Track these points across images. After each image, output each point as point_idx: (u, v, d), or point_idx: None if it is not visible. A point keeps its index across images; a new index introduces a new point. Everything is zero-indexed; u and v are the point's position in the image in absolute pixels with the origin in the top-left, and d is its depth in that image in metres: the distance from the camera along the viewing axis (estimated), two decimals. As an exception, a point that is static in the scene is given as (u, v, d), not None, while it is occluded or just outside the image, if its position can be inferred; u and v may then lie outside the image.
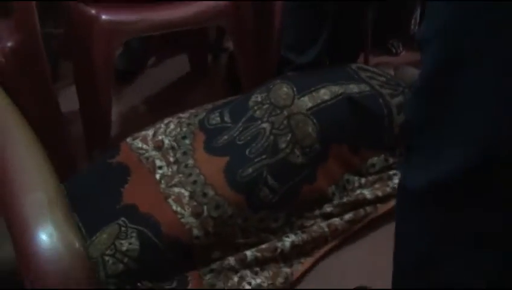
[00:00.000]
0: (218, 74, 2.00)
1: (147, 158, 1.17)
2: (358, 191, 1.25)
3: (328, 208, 1.20)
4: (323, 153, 1.21)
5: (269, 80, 1.37)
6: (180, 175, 1.12)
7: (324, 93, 1.26)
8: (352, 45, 1.73)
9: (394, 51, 2.21)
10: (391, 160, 1.33)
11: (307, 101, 1.23)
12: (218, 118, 1.24)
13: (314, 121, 1.21)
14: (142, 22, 1.37)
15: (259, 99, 1.26)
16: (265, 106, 1.23)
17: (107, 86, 1.42)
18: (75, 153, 1.45)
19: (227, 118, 1.23)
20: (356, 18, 1.67)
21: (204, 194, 1.08)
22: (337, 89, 1.28)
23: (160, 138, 1.22)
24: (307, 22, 1.49)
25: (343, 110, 1.25)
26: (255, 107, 1.23)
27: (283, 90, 1.26)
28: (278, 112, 1.21)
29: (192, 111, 1.31)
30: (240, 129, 1.19)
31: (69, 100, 1.50)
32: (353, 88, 1.30)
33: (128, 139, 1.23)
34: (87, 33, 1.35)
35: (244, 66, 1.59)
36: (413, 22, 2.20)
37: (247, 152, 1.14)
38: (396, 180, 1.30)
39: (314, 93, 1.25)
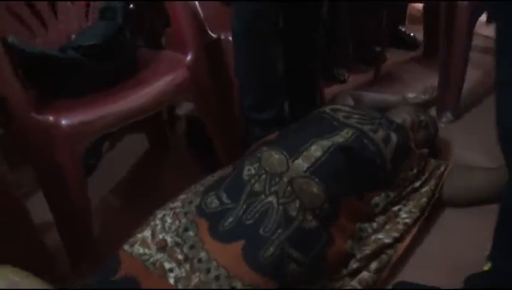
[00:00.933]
0: (179, 144, 1.92)
1: (154, 263, 1.07)
2: (373, 237, 1.23)
3: (354, 265, 1.16)
4: (334, 210, 1.18)
5: (251, 149, 1.32)
6: (197, 273, 1.03)
7: (315, 150, 1.22)
8: (308, 88, 1.72)
9: (342, 78, 2.24)
10: (391, 195, 1.32)
11: (302, 163, 1.20)
12: (216, 201, 1.17)
13: (317, 180, 1.17)
14: (104, 119, 1.27)
15: (252, 171, 1.20)
16: (263, 177, 1.17)
17: (81, 191, 1.30)
18: (58, 273, 1.30)
19: (225, 199, 1.16)
20: (308, 59, 1.66)
21: (233, 289, 0.99)
22: (325, 143, 1.25)
23: (161, 236, 1.12)
24: (262, 83, 1.47)
25: (339, 162, 1.23)
26: (252, 181, 1.17)
27: (274, 157, 1.21)
28: (278, 179, 1.16)
29: (183, 197, 1.22)
30: (244, 208, 1.12)
31: (37, 208, 1.34)
32: (338, 138, 1.28)
33: (126, 247, 1.12)
34: (48, 141, 1.24)
35: (214, 131, 1.53)
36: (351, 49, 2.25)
37: (261, 231, 1.08)
38: (404, 215, 1.29)
39: (305, 153, 1.22)
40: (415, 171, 1.37)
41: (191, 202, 1.19)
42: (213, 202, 1.17)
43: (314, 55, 1.65)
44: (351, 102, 1.74)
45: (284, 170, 1.18)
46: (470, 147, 1.66)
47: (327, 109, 1.46)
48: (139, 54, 1.46)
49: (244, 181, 1.18)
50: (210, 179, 1.29)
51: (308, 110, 1.59)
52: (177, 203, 1.19)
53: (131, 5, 1.55)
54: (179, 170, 1.74)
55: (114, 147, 1.94)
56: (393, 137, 1.34)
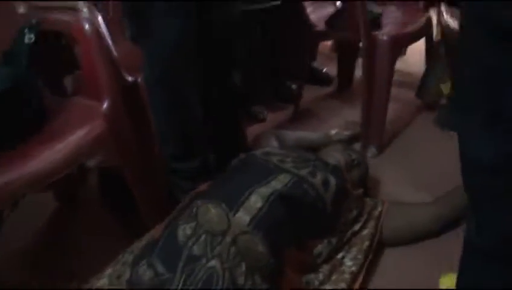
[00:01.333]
0: (92, 200, 1.71)
1: None
2: (322, 290, 1.13)
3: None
4: (280, 264, 1.08)
5: (182, 204, 1.18)
6: None
7: (256, 201, 1.13)
8: (231, 132, 1.65)
9: (261, 116, 2.20)
10: (334, 241, 1.25)
11: (243, 216, 1.09)
12: (150, 271, 1.01)
13: (261, 234, 1.07)
14: (10, 186, 1.04)
15: (188, 231, 1.06)
16: (202, 238, 1.04)
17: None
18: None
19: (160, 268, 1.01)
20: (226, 104, 1.59)
21: None
22: (264, 191, 1.17)
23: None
24: (182, 131, 1.38)
25: (280, 211, 1.14)
26: (190, 243, 1.03)
27: (212, 212, 1.09)
28: (220, 239, 1.03)
29: (109, 271, 1.05)
30: (183, 278, 0.98)
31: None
32: (277, 184, 1.20)
33: None
34: None
35: (135, 183, 1.37)
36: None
37: (205, 305, 0.94)
38: (349, 263, 1.22)
39: (246, 204, 1.12)
40: (354, 213, 1.33)
41: (119, 277, 1.02)
42: (146, 273, 1.01)
43: (231, 99, 1.60)
44: (274, 142, 1.68)
45: (225, 227, 1.06)
46: (397, 181, 1.67)
47: (258, 153, 1.39)
48: (46, 103, 1.26)
49: (180, 244, 1.04)
50: (138, 245, 1.13)
51: (232, 155, 1.53)
52: (104, 281, 1.01)
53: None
54: (94, 231, 1.54)
55: (15, 208, 1.67)
56: (332, 180, 1.30)
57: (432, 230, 1.38)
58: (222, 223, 1.07)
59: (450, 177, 1.51)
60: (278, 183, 1.20)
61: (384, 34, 1.78)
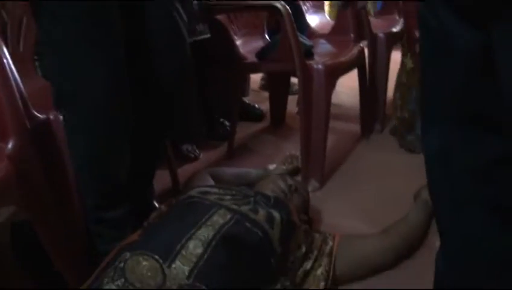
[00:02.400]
0: (2, 259, 1.45)
1: None
2: None
3: None
4: None
5: (107, 258, 1.00)
6: None
7: (195, 247, 0.98)
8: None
9: (193, 155, 2.06)
10: (287, 284, 1.11)
11: (181, 267, 0.93)
12: None
13: (203, 288, 0.91)
14: None
15: (115, 290, 0.87)
16: (132, 298, 0.85)
17: None
18: None
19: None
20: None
21: None
22: (204, 233, 1.02)
23: None
24: (106, 175, 1.21)
25: (224, 256, 1.00)
26: None
27: (143, 265, 0.92)
28: (154, 298, 0.85)
29: None
30: None
31: None
32: (217, 220, 1.07)
33: None
34: None
35: (50, 239, 1.15)
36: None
37: None
38: None
39: (183, 252, 0.96)
40: (303, 250, 1.21)
41: None
42: None
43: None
44: (211, 181, 1.54)
45: (160, 281, 0.88)
46: (341, 214, 1.60)
47: (194, 193, 1.25)
48: None
49: (106, 308, 0.84)
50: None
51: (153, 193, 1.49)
52: None
53: None
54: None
55: None
56: (276, 215, 1.18)
57: (387, 261, 1.30)
58: (156, 278, 0.90)
59: (394, 206, 1.48)
60: (219, 219, 1.08)
61: (318, 63, 1.74)
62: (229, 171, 1.72)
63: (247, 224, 1.10)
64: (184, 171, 1.85)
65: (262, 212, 1.16)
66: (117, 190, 1.22)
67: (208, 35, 1.85)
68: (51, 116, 1.25)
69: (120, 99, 1.14)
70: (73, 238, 1.23)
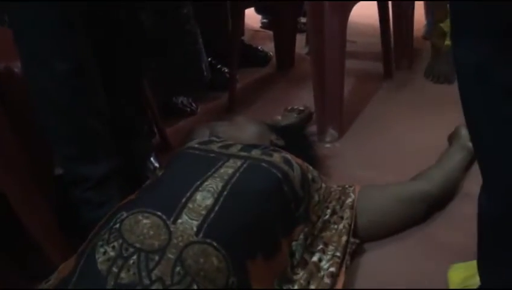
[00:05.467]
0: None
1: None
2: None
3: None
4: (243, 282, 0.97)
5: (99, 225, 1.04)
6: None
7: (203, 198, 1.01)
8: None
9: (189, 110, 2.08)
10: (307, 231, 1.17)
11: (189, 221, 0.96)
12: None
13: (215, 244, 0.94)
14: None
15: (112, 253, 0.91)
16: (133, 259, 0.90)
17: None
18: None
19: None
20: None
21: None
22: (212, 184, 1.06)
23: None
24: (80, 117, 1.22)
25: (238, 208, 1.04)
26: (114, 269, 0.89)
27: (143, 222, 0.95)
28: (158, 257, 0.90)
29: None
30: None
31: None
32: (226, 171, 1.11)
33: None
34: None
35: (25, 208, 1.18)
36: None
37: None
38: (326, 265, 1.15)
39: (190, 206, 0.99)
40: (316, 198, 1.24)
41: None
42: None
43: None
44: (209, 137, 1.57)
45: (165, 240, 0.93)
46: (363, 165, 1.64)
47: (194, 144, 1.29)
48: None
49: (102, 274, 0.89)
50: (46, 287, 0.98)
51: (147, 146, 1.55)
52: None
53: None
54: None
55: None
56: (290, 157, 1.23)
57: (416, 213, 1.33)
58: (159, 236, 0.93)
59: (425, 154, 1.51)
60: (228, 169, 1.11)
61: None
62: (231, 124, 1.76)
63: (264, 164, 1.14)
64: (178, 129, 1.90)
65: (277, 155, 1.20)
66: (93, 138, 1.24)
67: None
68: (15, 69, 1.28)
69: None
70: (49, 205, 1.27)
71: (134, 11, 1.51)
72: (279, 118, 1.86)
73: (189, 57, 1.90)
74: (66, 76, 1.14)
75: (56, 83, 1.14)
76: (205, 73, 1.93)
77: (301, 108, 1.90)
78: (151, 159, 1.59)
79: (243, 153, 1.20)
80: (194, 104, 2.10)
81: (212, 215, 0.98)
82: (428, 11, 2.60)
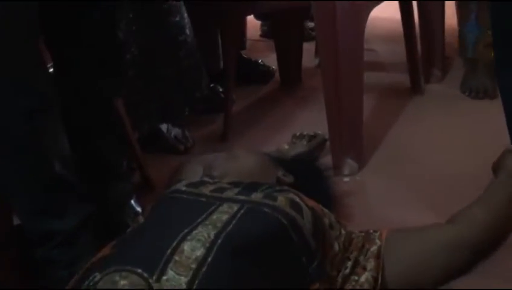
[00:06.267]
0: None
1: None
2: None
3: None
4: None
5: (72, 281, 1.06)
6: None
7: (193, 249, 1.02)
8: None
9: (183, 147, 2.06)
10: None
11: (176, 278, 0.97)
12: None
13: None
14: None
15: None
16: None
17: None
18: None
19: None
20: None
21: None
22: (202, 233, 1.06)
23: None
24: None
25: (235, 262, 1.04)
26: None
27: (121, 284, 0.96)
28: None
29: None
30: None
31: None
32: (218, 219, 1.12)
33: None
34: None
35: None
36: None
37: None
38: None
39: (177, 257, 1.00)
40: (335, 249, 1.25)
41: None
42: None
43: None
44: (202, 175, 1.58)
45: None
46: (389, 202, 1.65)
47: (181, 186, 1.30)
48: None
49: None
50: None
51: (126, 188, 1.57)
52: None
53: None
54: None
55: None
56: (300, 201, 1.23)
57: (457, 263, 1.33)
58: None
59: (464, 187, 1.51)
60: (222, 216, 1.12)
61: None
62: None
63: (266, 209, 1.15)
64: (164, 164, 1.86)
65: (282, 198, 1.21)
66: (58, 186, 1.25)
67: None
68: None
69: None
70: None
71: (109, 27, 1.53)
72: (286, 147, 1.87)
73: (183, 75, 1.93)
74: (28, 114, 1.17)
75: (16, 122, 1.17)
76: (204, 93, 1.96)
77: (312, 134, 1.91)
78: (131, 202, 1.60)
79: (240, 197, 1.21)
80: (190, 140, 2.08)
81: (204, 269, 0.99)
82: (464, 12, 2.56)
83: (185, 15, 1.86)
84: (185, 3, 1.92)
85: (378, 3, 1.94)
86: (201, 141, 2.10)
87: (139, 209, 1.59)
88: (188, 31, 1.88)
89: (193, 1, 2.00)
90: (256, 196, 1.21)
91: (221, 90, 2.26)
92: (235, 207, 1.15)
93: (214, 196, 1.22)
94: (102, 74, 1.49)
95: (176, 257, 1.00)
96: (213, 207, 1.15)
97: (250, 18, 2.88)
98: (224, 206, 1.15)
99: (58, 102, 1.26)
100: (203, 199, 1.20)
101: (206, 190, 1.25)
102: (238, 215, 1.12)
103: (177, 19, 1.84)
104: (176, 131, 2.07)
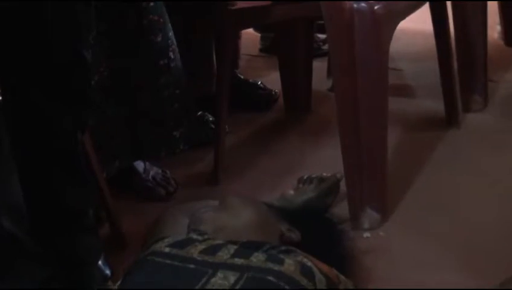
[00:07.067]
0: None
1: None
2: None
3: None
4: None
5: None
6: None
7: None
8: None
9: (164, 192, 2.05)
10: None
11: None
12: None
13: None
14: None
15: None
16: None
17: None
18: None
19: None
20: None
21: None
22: None
23: None
24: None
25: None
26: None
27: None
28: None
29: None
30: None
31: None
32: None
33: None
34: None
35: None
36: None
37: None
38: None
39: None
40: None
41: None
42: None
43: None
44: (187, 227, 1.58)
45: None
46: (420, 262, 1.65)
47: (163, 247, 1.32)
48: None
49: None
50: None
51: (94, 245, 1.58)
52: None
53: None
54: None
55: None
56: (311, 265, 1.26)
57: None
58: None
59: (508, 247, 1.50)
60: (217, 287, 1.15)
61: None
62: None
63: (271, 278, 1.17)
64: (140, 214, 1.89)
65: (290, 261, 1.23)
66: (7, 245, 1.27)
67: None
68: None
69: None
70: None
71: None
72: (291, 192, 1.88)
73: (161, 107, 1.95)
74: None
75: None
76: (186, 134, 2.00)
77: (323, 175, 1.91)
78: (99, 263, 1.59)
79: (238, 261, 1.22)
80: (173, 182, 2.07)
81: None
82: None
83: (170, 34, 1.88)
84: (173, 14, 1.95)
85: (413, 11, 1.94)
86: (187, 183, 2.10)
87: (108, 272, 1.58)
88: (171, 55, 1.89)
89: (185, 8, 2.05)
90: (258, 259, 1.23)
91: (211, 118, 2.28)
92: (232, 277, 1.17)
93: (204, 261, 1.23)
94: (63, 101, 1.47)
95: None
96: (204, 278, 1.17)
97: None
98: (219, 276, 1.18)
99: (6, 137, 1.28)
100: (191, 266, 1.22)
101: (194, 251, 1.28)
102: (238, 285, 1.15)
103: (159, 39, 1.85)
104: (154, 171, 2.07)
